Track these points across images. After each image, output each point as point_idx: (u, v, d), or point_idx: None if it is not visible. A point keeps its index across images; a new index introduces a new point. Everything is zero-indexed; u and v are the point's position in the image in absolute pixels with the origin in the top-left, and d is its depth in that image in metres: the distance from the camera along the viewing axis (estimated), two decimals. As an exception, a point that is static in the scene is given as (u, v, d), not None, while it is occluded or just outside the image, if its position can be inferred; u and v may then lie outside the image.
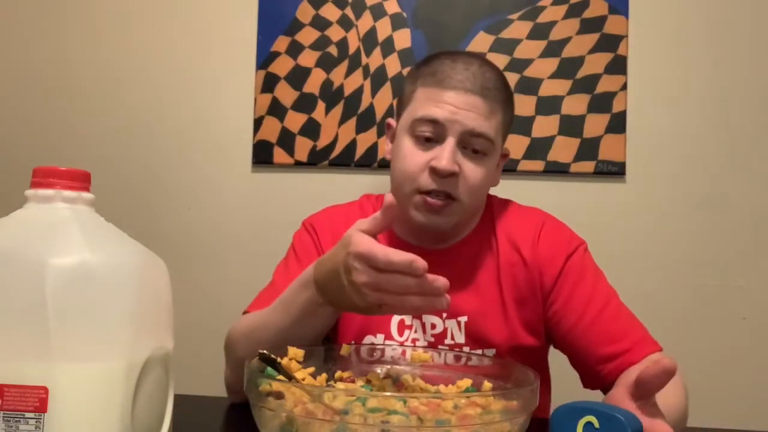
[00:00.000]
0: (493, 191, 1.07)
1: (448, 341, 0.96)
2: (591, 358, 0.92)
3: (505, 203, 1.07)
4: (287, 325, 0.83)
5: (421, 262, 0.68)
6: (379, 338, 0.98)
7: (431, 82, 0.94)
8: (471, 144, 0.93)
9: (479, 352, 0.95)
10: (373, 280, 0.70)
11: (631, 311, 0.96)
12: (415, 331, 0.97)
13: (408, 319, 0.98)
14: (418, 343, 0.97)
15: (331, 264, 0.76)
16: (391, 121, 1.04)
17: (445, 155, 0.90)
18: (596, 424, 0.55)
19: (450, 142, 0.91)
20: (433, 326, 0.97)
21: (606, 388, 0.92)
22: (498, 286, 0.98)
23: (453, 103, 0.92)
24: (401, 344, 0.97)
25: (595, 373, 0.92)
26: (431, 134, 0.93)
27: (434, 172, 0.91)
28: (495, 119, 0.94)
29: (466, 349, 0.96)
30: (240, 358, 0.83)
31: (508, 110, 0.99)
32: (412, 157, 0.94)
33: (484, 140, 0.93)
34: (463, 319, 0.97)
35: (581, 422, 0.56)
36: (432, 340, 0.97)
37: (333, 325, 0.89)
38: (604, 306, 0.94)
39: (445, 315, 0.97)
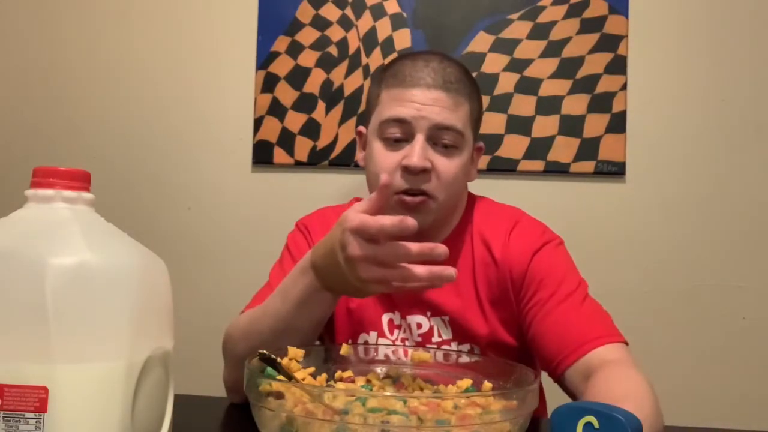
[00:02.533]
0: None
1: (435, 339, 0.97)
2: (545, 352, 0.89)
3: (483, 201, 1.06)
4: (285, 314, 0.82)
5: (410, 221, 0.69)
6: (372, 335, 0.98)
7: (393, 83, 0.95)
8: (440, 138, 0.93)
9: (468, 346, 0.96)
10: (368, 252, 0.71)
11: (600, 304, 0.92)
12: (404, 331, 0.98)
13: (396, 319, 0.99)
14: (407, 343, 0.98)
15: (328, 244, 0.76)
16: (362, 128, 1.04)
17: (415, 152, 0.91)
18: (596, 424, 0.55)
19: (419, 139, 0.92)
20: (419, 326, 0.98)
21: (560, 381, 0.88)
22: (474, 286, 0.98)
23: (417, 100, 0.92)
24: (392, 342, 0.98)
25: (546, 367, 0.90)
26: (400, 134, 0.93)
27: (406, 170, 0.92)
28: (461, 111, 0.95)
29: (455, 344, 0.97)
30: (239, 354, 0.83)
31: (475, 102, 0.99)
32: (383, 159, 0.94)
33: (453, 133, 0.93)
34: (447, 318, 0.98)
35: (581, 422, 0.56)
36: (419, 339, 0.97)
37: (330, 314, 0.88)
38: (564, 299, 0.91)
39: (429, 313, 0.98)
